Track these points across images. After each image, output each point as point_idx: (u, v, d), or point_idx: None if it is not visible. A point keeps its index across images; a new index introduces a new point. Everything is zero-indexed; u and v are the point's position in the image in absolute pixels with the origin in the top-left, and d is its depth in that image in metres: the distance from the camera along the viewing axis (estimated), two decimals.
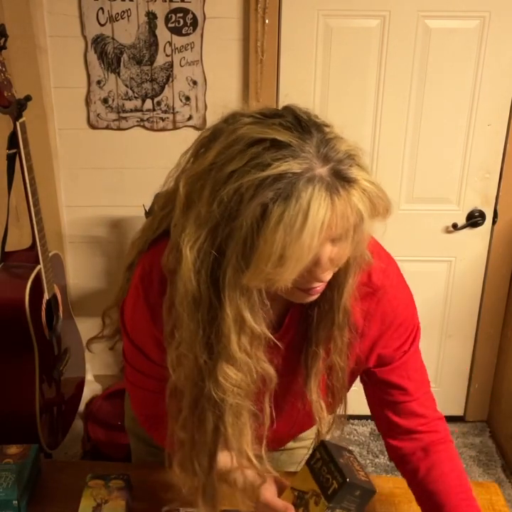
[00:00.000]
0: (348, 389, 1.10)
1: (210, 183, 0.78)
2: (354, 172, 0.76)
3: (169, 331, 0.90)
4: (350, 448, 2.47)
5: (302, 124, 0.78)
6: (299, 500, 0.97)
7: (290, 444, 1.37)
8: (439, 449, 1.08)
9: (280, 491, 1.02)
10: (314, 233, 0.73)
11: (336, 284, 0.91)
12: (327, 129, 0.81)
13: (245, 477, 1.02)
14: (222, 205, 0.76)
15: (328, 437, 1.10)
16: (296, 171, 0.73)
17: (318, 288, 0.86)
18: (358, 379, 1.16)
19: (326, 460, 0.95)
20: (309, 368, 0.99)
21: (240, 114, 0.82)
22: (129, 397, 1.22)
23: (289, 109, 0.81)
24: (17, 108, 1.72)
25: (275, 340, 0.89)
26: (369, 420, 2.68)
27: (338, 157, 0.76)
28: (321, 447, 0.97)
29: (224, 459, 0.98)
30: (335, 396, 1.05)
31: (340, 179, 0.75)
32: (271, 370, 0.92)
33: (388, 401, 1.10)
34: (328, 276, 0.84)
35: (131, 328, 1.04)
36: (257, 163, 0.74)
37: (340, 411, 1.09)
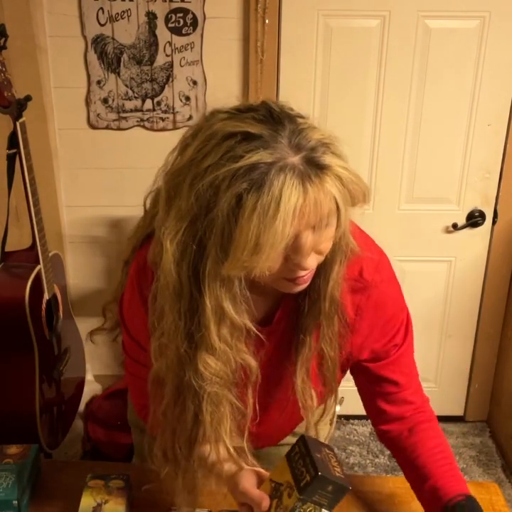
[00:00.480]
0: (339, 382, 1.11)
1: (188, 178, 0.81)
2: (327, 159, 0.78)
3: (152, 321, 0.92)
4: (351, 448, 2.47)
5: (274, 116, 0.80)
6: (274, 491, 0.98)
7: (288, 439, 1.37)
8: (423, 427, 1.13)
9: (260, 483, 1.03)
10: (287, 220, 0.75)
11: (322, 272, 0.93)
12: (300, 120, 0.82)
13: (223, 466, 1.04)
14: (200, 198, 0.78)
15: (314, 433, 1.12)
16: (268, 161, 0.75)
17: (304, 277, 0.87)
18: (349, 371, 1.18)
19: (303, 453, 0.96)
20: (297, 355, 1.01)
21: (218, 111, 0.85)
22: (129, 388, 1.24)
23: (263, 103, 0.83)
24: (17, 108, 1.72)
25: (257, 333, 0.91)
26: (369, 420, 2.67)
27: (311, 145, 0.78)
28: (301, 441, 0.98)
29: (205, 448, 1.01)
30: (325, 386, 1.07)
31: (312, 166, 0.77)
32: (252, 362, 0.94)
33: (380, 392, 1.13)
34: (311, 263, 0.85)
35: (128, 320, 1.08)
36: (230, 156, 0.76)
37: (330, 402, 1.11)
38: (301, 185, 0.75)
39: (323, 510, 0.94)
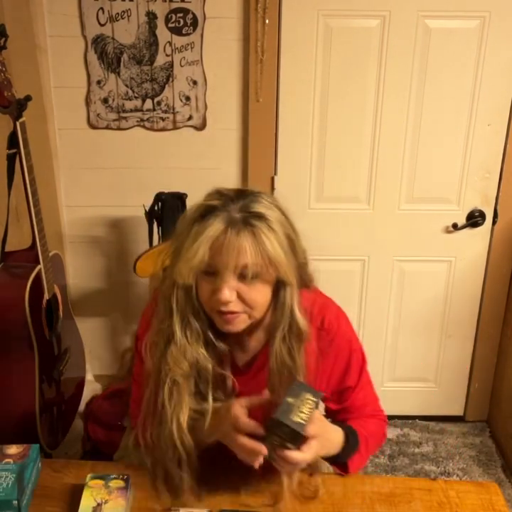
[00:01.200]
0: None
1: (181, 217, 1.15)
2: (255, 223, 1.07)
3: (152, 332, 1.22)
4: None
5: (244, 190, 1.13)
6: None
7: None
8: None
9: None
10: (202, 241, 1.06)
11: (271, 341, 1.19)
12: (265, 201, 1.12)
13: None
14: (178, 226, 1.13)
15: None
16: (219, 206, 1.08)
17: (228, 316, 1.12)
18: None
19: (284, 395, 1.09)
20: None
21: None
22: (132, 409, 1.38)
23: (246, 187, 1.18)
24: (17, 108, 1.72)
25: (213, 339, 1.19)
26: None
27: (252, 211, 1.08)
28: (294, 383, 1.12)
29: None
30: None
31: (242, 221, 1.06)
32: (207, 362, 1.18)
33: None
34: (230, 299, 1.09)
35: (142, 347, 1.25)
36: (203, 200, 1.12)
37: None
38: (225, 225, 1.06)
39: (287, 444, 1.06)
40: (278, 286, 1.15)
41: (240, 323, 1.14)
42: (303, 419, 1.05)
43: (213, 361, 1.20)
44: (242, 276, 1.08)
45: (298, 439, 1.05)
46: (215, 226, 1.06)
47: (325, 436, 1.13)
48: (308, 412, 1.06)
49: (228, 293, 1.08)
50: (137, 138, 2.31)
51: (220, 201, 1.09)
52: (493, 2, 2.12)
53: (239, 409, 1.11)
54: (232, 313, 1.12)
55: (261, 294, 1.12)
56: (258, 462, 1.09)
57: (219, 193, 1.12)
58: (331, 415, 1.36)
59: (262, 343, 1.25)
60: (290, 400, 1.07)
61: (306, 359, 1.20)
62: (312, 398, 1.08)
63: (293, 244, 1.13)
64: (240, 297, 1.10)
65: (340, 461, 1.26)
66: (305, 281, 1.22)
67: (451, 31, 2.16)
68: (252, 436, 1.09)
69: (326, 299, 1.33)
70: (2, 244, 1.87)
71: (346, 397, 1.32)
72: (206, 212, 1.08)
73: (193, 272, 1.09)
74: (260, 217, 1.08)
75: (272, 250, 1.07)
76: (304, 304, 1.20)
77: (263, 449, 1.07)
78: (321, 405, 1.21)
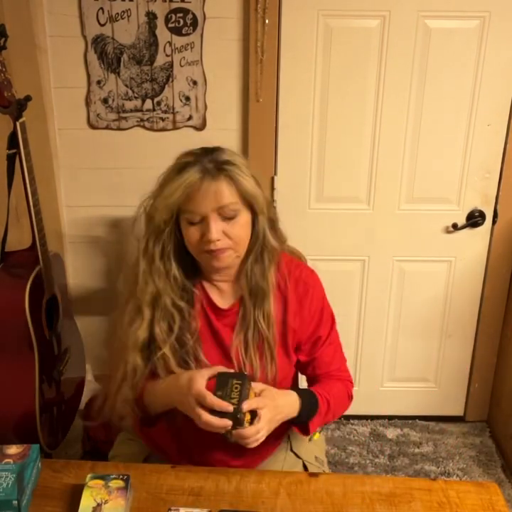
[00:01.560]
0: (282, 364, 1.42)
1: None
2: (227, 167, 1.27)
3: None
4: (351, 448, 2.47)
5: (214, 147, 1.33)
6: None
7: (280, 454, 1.58)
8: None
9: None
10: (181, 185, 1.26)
11: (249, 267, 1.37)
12: (228, 151, 1.33)
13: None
14: (157, 183, 1.36)
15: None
16: (193, 160, 1.29)
17: (217, 252, 1.29)
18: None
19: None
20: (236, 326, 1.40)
21: None
22: None
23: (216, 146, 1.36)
24: (17, 108, 1.72)
25: (187, 284, 1.39)
26: (369, 420, 2.68)
27: (221, 160, 1.29)
28: (217, 376, 1.25)
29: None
30: (262, 359, 1.39)
31: (214, 169, 1.27)
32: (172, 294, 1.37)
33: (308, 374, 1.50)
34: (218, 237, 1.27)
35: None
36: (176, 159, 1.34)
37: (271, 374, 1.39)
38: (200, 174, 1.26)
39: (238, 427, 1.21)
40: (253, 221, 1.34)
41: (227, 258, 1.32)
42: (234, 403, 1.18)
43: (180, 299, 1.37)
44: (224, 217, 1.27)
45: (240, 420, 1.20)
46: (192, 175, 1.25)
47: (273, 404, 1.26)
48: (237, 395, 1.19)
49: (216, 232, 1.26)
50: (137, 138, 2.31)
51: (192, 157, 1.29)
52: (493, 2, 2.12)
53: (202, 384, 1.22)
54: (221, 249, 1.29)
55: (243, 229, 1.31)
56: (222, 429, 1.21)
57: (189, 153, 1.32)
58: (301, 368, 1.50)
59: (240, 279, 1.40)
60: (219, 392, 1.20)
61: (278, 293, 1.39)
62: (237, 381, 1.21)
63: (258, 183, 1.33)
64: (226, 235, 1.29)
65: (301, 423, 1.37)
66: (276, 230, 1.41)
67: (451, 31, 2.15)
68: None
69: (298, 261, 1.51)
70: (2, 244, 1.87)
71: (317, 349, 1.45)
72: (181, 168, 1.28)
73: (169, 209, 1.29)
74: (230, 163, 1.28)
75: (248, 185, 1.28)
76: (285, 259, 1.43)
77: (228, 423, 1.19)
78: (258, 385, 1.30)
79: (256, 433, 1.21)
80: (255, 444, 1.23)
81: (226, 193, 1.27)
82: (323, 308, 1.46)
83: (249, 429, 1.21)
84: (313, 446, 1.60)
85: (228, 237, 1.29)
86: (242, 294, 1.40)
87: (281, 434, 1.51)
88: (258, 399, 1.24)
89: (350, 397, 1.48)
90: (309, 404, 1.36)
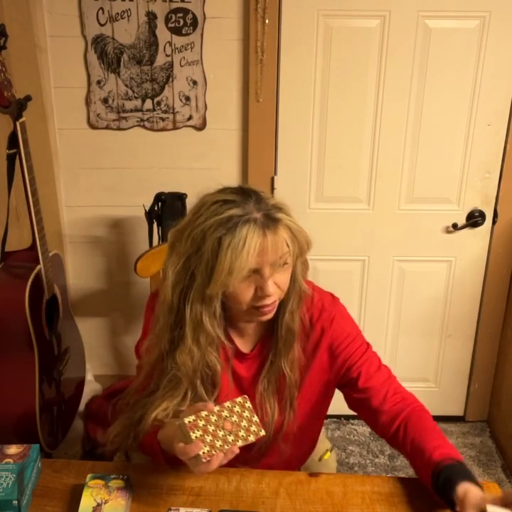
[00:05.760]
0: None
1: (187, 231, 1.16)
2: (279, 216, 1.14)
3: (150, 328, 1.27)
4: (351, 448, 2.47)
5: (244, 190, 1.17)
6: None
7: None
8: (412, 416, 1.32)
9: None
10: (249, 252, 1.10)
11: (281, 308, 1.26)
12: (262, 194, 1.17)
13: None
14: (194, 241, 1.14)
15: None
16: (239, 214, 1.12)
17: (269, 307, 1.19)
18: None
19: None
20: (262, 371, 1.32)
21: (207, 193, 1.21)
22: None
23: (238, 186, 1.20)
24: (17, 108, 1.72)
25: (225, 340, 1.26)
26: None
27: (268, 207, 1.14)
28: None
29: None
30: (281, 403, 1.33)
31: (269, 220, 1.13)
32: (216, 364, 1.25)
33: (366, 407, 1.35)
34: (273, 291, 1.17)
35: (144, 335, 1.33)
36: (214, 213, 1.13)
37: (288, 419, 1.33)
38: (261, 230, 1.11)
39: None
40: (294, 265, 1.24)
41: (274, 310, 1.23)
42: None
43: (219, 359, 1.26)
44: (277, 267, 1.16)
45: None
46: (254, 235, 1.11)
47: None
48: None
49: (272, 286, 1.17)
50: (137, 138, 2.32)
51: (237, 209, 1.13)
52: (493, 2, 2.12)
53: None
54: (272, 303, 1.19)
55: (288, 276, 1.21)
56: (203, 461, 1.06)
57: (225, 201, 1.15)
58: (356, 406, 1.37)
59: (262, 324, 1.31)
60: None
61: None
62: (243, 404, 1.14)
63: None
64: (276, 285, 1.18)
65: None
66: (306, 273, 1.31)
67: (451, 31, 2.16)
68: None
69: (321, 290, 1.43)
70: (2, 244, 1.86)
71: (356, 373, 1.33)
72: (229, 223, 1.11)
73: (239, 281, 1.14)
74: (279, 208, 1.16)
75: (300, 232, 1.17)
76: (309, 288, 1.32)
77: (198, 446, 1.05)
78: None
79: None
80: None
81: (285, 244, 1.15)
82: (349, 334, 1.37)
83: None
84: (322, 468, 1.59)
85: (278, 287, 1.19)
86: (263, 334, 1.32)
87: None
88: None
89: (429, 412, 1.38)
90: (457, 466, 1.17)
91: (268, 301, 1.17)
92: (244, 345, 1.33)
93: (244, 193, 1.16)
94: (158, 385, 1.24)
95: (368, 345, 1.40)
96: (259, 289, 1.16)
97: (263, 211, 1.13)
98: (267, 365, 1.30)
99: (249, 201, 1.14)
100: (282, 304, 1.26)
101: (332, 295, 1.38)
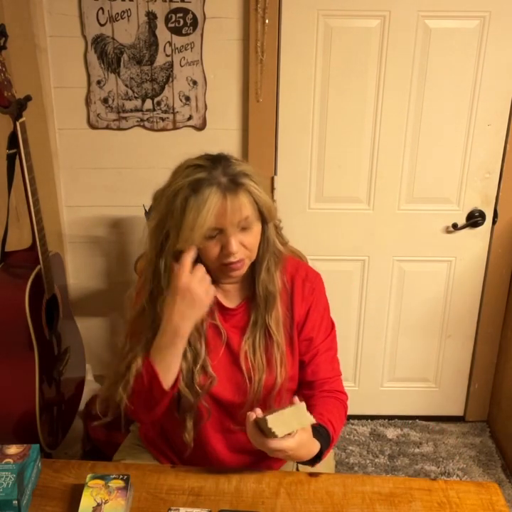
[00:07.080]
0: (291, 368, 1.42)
1: (165, 191, 1.30)
2: (243, 181, 1.25)
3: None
4: (351, 448, 2.47)
5: (218, 157, 1.30)
6: None
7: None
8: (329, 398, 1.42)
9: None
10: (208, 211, 1.22)
11: (258, 270, 1.37)
12: (234, 160, 1.29)
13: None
14: (168, 201, 1.28)
15: None
16: (206, 178, 1.24)
17: (236, 264, 1.29)
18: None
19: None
20: (247, 329, 1.41)
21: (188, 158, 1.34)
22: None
23: (218, 152, 1.33)
24: (17, 108, 1.72)
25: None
26: (369, 420, 2.68)
27: (235, 173, 1.26)
28: (297, 405, 1.18)
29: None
30: (270, 364, 1.39)
31: (232, 184, 1.25)
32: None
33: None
34: (237, 249, 1.27)
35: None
36: (186, 176, 1.27)
37: (280, 379, 1.39)
38: (221, 193, 1.23)
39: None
40: (263, 228, 1.34)
41: (244, 268, 1.33)
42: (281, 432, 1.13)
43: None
44: (241, 228, 1.28)
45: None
46: (215, 196, 1.23)
47: (308, 435, 1.23)
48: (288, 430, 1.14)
49: (236, 245, 1.27)
50: (137, 138, 2.32)
51: (204, 173, 1.26)
52: (493, 2, 2.12)
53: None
54: (239, 261, 1.30)
55: (256, 237, 1.32)
56: None
57: (196, 166, 1.28)
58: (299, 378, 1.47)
59: (244, 280, 1.41)
60: (286, 412, 1.14)
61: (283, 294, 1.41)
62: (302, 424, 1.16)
63: (266, 189, 1.34)
64: (242, 245, 1.29)
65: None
66: (280, 234, 1.42)
67: (451, 31, 2.16)
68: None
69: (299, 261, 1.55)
70: (2, 244, 1.87)
71: (314, 351, 1.44)
72: (196, 187, 1.24)
73: (201, 237, 1.25)
74: (245, 174, 1.27)
75: (264, 198, 1.29)
76: (290, 261, 1.45)
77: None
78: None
79: (280, 446, 1.17)
80: (274, 455, 1.20)
81: (246, 207, 1.26)
82: (324, 310, 1.48)
83: (277, 441, 1.17)
84: (321, 467, 1.59)
85: (244, 247, 1.30)
86: (247, 295, 1.42)
87: None
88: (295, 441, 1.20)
89: (346, 412, 1.45)
90: (324, 444, 1.30)
91: (233, 258, 1.28)
92: (227, 302, 1.42)
93: (216, 160, 1.29)
94: (141, 338, 1.33)
95: (333, 327, 1.50)
96: (224, 247, 1.27)
97: (229, 176, 1.25)
98: (251, 323, 1.40)
99: (219, 167, 1.26)
100: (257, 264, 1.37)
101: (318, 273, 1.50)
